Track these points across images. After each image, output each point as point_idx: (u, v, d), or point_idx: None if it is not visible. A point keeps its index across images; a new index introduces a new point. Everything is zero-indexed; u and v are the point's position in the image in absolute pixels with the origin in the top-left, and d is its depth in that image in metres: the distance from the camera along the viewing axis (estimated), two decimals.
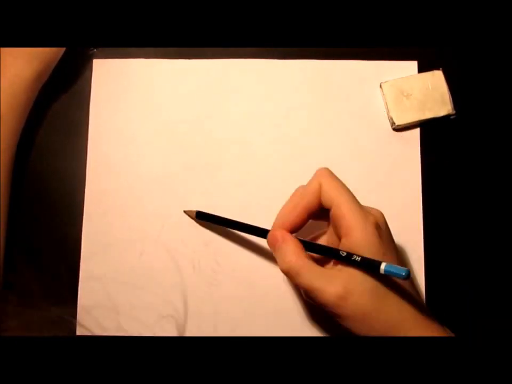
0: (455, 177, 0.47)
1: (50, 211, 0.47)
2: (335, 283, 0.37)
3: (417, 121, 0.46)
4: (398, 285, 0.38)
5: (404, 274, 0.35)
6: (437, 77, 0.47)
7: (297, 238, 0.40)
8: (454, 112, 0.46)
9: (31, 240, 0.46)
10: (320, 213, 0.40)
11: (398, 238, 0.41)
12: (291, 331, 0.45)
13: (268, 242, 0.41)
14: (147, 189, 0.47)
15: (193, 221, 0.46)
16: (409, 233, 0.46)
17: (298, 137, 0.47)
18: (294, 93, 0.48)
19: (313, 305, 0.45)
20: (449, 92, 0.46)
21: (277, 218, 0.41)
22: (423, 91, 0.46)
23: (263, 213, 0.46)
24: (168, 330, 0.45)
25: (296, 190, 0.41)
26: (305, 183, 0.47)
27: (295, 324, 0.45)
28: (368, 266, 0.37)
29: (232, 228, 0.45)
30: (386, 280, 0.37)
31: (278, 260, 0.40)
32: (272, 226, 0.41)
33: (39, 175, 0.47)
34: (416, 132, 0.47)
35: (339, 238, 0.39)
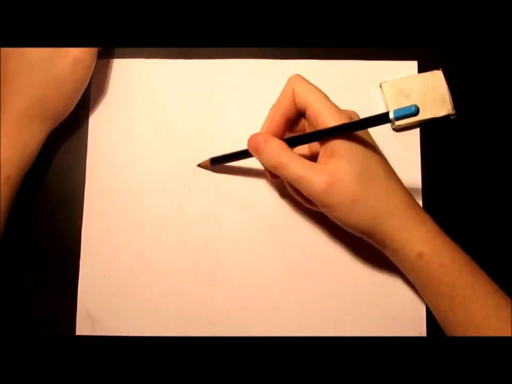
0: (455, 177, 0.47)
1: (50, 211, 0.47)
2: (323, 172, 0.38)
3: (417, 121, 0.46)
4: (384, 172, 0.40)
5: (414, 109, 0.35)
6: (436, 77, 0.47)
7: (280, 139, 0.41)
8: (454, 112, 0.46)
9: (31, 240, 0.46)
10: (297, 119, 0.42)
11: None
12: (291, 331, 0.45)
13: (248, 147, 0.42)
14: (147, 189, 0.47)
15: (193, 221, 0.46)
16: None
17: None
18: None
19: (313, 304, 0.45)
20: (449, 92, 0.46)
21: (261, 128, 0.43)
22: (422, 91, 0.46)
23: (263, 211, 0.46)
24: (168, 330, 0.45)
25: (272, 106, 0.42)
26: None
27: (295, 324, 0.45)
28: (378, 120, 0.37)
29: (244, 157, 0.44)
30: (370, 168, 0.39)
31: (264, 160, 0.41)
32: (253, 135, 0.42)
33: (39, 175, 0.47)
34: (416, 132, 0.47)
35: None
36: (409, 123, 0.47)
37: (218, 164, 0.46)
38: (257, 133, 0.42)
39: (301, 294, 0.46)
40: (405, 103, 0.46)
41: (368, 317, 0.45)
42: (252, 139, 0.41)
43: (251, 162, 0.47)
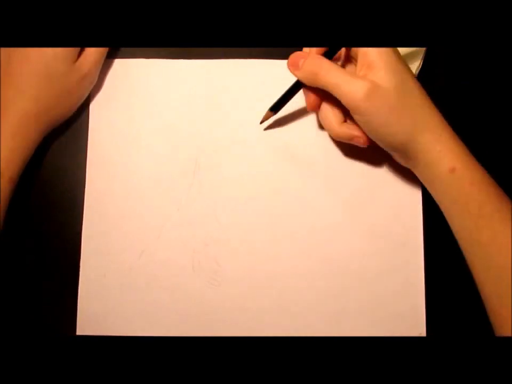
0: None
1: (50, 211, 0.47)
2: (363, 79, 0.40)
3: None
4: (419, 88, 0.41)
5: None
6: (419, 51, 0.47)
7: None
8: (416, 76, 0.47)
9: (30, 239, 0.46)
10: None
11: (397, 237, 0.41)
12: (291, 331, 0.45)
13: (288, 65, 0.43)
14: (147, 189, 0.47)
15: (193, 221, 0.46)
16: (410, 231, 0.46)
17: (298, 137, 0.47)
18: None
19: (313, 304, 0.45)
20: (421, 62, 0.47)
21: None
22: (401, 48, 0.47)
23: (262, 212, 0.46)
24: (168, 330, 0.45)
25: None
26: (304, 182, 0.47)
27: (295, 324, 0.45)
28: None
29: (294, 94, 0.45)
30: (408, 81, 0.40)
31: (304, 72, 0.42)
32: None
33: (39, 175, 0.47)
34: None
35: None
36: None
37: (278, 109, 0.46)
38: (297, 52, 0.43)
39: (301, 294, 0.46)
40: None
41: (368, 317, 0.45)
42: (292, 56, 0.43)
43: (252, 163, 0.47)
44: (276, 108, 0.46)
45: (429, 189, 0.43)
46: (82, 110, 0.47)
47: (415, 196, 0.47)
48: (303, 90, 0.44)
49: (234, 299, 0.46)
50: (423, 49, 0.47)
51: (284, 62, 0.48)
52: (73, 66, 0.44)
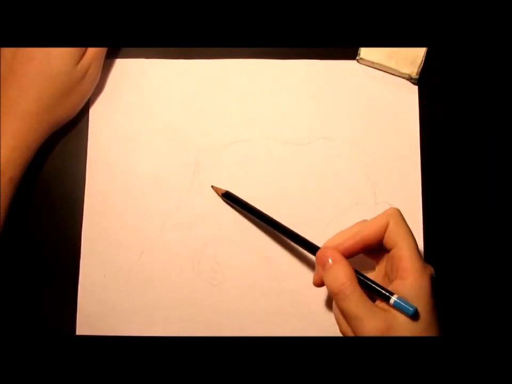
0: (455, 178, 0.47)
1: (50, 211, 0.47)
2: (380, 317, 0.37)
3: (380, 64, 0.47)
4: (435, 319, 0.38)
5: (412, 311, 0.36)
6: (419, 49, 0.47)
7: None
8: (416, 77, 0.47)
9: (31, 240, 0.46)
10: (374, 251, 0.40)
11: None
12: (291, 331, 0.45)
13: (317, 257, 0.40)
14: (147, 189, 0.47)
15: (193, 221, 0.46)
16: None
17: (298, 137, 0.47)
18: (294, 93, 0.48)
19: (313, 304, 0.45)
20: (423, 60, 0.46)
21: (332, 238, 0.41)
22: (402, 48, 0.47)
23: (262, 210, 0.46)
24: (168, 330, 0.45)
25: (362, 221, 0.41)
26: (305, 182, 0.47)
27: (296, 323, 0.45)
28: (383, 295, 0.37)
29: (255, 216, 0.45)
30: (427, 328, 0.37)
31: (327, 279, 0.39)
32: (326, 243, 0.41)
33: (39, 175, 0.47)
34: (416, 132, 0.47)
35: (390, 279, 0.39)
36: (373, 62, 0.47)
37: (229, 200, 0.46)
38: (330, 248, 0.39)
39: (301, 294, 0.46)
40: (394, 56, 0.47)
41: None
42: (322, 252, 0.39)
43: (252, 163, 0.47)
44: (228, 198, 0.46)
45: None
46: (82, 110, 0.47)
47: (415, 195, 0.47)
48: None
49: (234, 299, 0.46)
50: (424, 49, 0.47)
51: (284, 62, 0.48)
52: (75, 67, 0.44)
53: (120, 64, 0.48)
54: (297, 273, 0.46)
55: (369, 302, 0.37)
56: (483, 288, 0.46)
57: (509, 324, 0.45)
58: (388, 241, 0.39)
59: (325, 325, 0.45)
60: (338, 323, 0.40)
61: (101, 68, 0.47)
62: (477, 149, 0.48)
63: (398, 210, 0.39)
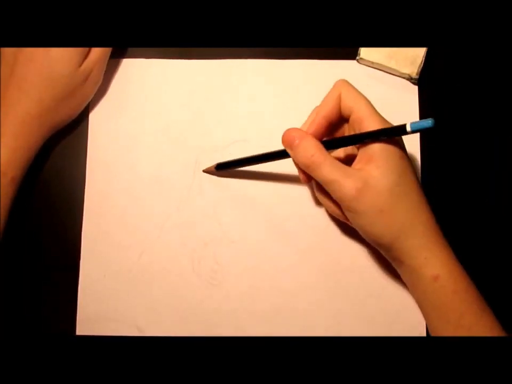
0: (455, 178, 0.47)
1: (50, 211, 0.47)
2: (355, 177, 0.38)
3: (380, 64, 0.47)
4: (415, 189, 0.39)
5: (430, 122, 0.36)
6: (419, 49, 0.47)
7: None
8: (416, 77, 0.47)
9: (31, 240, 0.46)
10: (338, 124, 0.42)
11: None
12: (291, 331, 0.45)
13: (283, 141, 0.41)
14: (147, 189, 0.47)
15: (193, 221, 0.46)
16: None
17: None
18: (294, 93, 0.48)
19: (313, 304, 0.45)
20: (423, 60, 0.47)
21: (301, 126, 0.42)
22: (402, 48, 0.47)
23: (262, 212, 0.46)
24: (168, 330, 0.45)
25: (314, 108, 0.42)
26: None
27: (295, 324, 0.45)
28: (396, 131, 0.38)
29: (251, 164, 0.45)
30: (404, 182, 0.39)
31: (297, 156, 0.40)
32: (291, 129, 0.42)
33: (40, 176, 0.47)
34: (416, 133, 0.47)
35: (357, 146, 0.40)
36: (373, 62, 0.47)
37: (223, 169, 0.46)
38: (293, 128, 0.41)
39: (301, 294, 0.46)
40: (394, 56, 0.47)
41: (368, 317, 0.45)
42: (287, 133, 0.41)
43: (253, 169, 0.47)
44: (222, 167, 0.46)
45: (410, 290, 0.42)
46: (83, 110, 0.47)
47: None
48: (294, 164, 0.42)
49: (234, 299, 0.46)
50: (424, 49, 0.47)
51: (284, 62, 0.48)
52: (78, 70, 0.44)
53: (121, 64, 0.48)
54: (297, 273, 0.46)
55: (342, 165, 0.39)
56: (483, 289, 0.46)
57: (510, 322, 0.45)
58: (344, 110, 0.40)
59: (325, 325, 0.45)
60: (324, 205, 0.43)
61: (104, 71, 0.47)
62: (477, 148, 0.48)
63: (345, 80, 0.41)
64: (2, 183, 0.42)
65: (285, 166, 0.47)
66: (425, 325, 0.45)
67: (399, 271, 0.42)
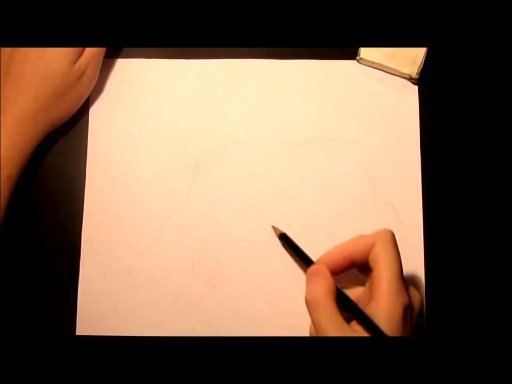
0: (455, 178, 0.47)
1: (50, 211, 0.47)
2: (345, 334, 0.37)
3: (380, 64, 0.47)
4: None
5: None
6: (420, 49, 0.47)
7: (335, 284, 0.39)
8: (417, 77, 0.47)
9: (30, 239, 0.46)
10: (365, 268, 0.40)
11: (397, 236, 0.40)
12: (291, 331, 0.45)
13: (307, 272, 0.41)
14: (147, 189, 0.47)
15: (193, 221, 0.46)
16: (409, 223, 0.46)
17: (298, 137, 0.47)
18: (294, 93, 0.48)
19: None
20: (423, 60, 0.47)
21: (325, 253, 0.41)
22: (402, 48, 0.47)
23: (262, 212, 0.46)
24: (167, 330, 0.45)
25: (357, 236, 0.41)
26: (305, 182, 0.47)
27: (295, 323, 0.45)
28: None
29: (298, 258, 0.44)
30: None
31: (306, 289, 0.40)
32: (320, 257, 0.41)
33: (39, 175, 0.47)
34: (416, 133, 0.47)
35: (369, 299, 0.39)
36: (373, 62, 0.47)
37: (285, 243, 0.45)
38: (318, 264, 0.41)
39: (301, 294, 0.45)
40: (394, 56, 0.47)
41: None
42: (312, 267, 0.41)
43: (252, 162, 0.47)
44: (285, 240, 0.45)
45: None
46: (82, 110, 0.47)
47: (415, 194, 0.47)
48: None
49: (234, 299, 0.46)
50: (424, 49, 0.47)
51: (284, 62, 0.48)
52: (72, 68, 0.44)
53: (120, 64, 0.48)
54: (297, 273, 0.46)
55: (340, 319, 0.37)
56: (484, 289, 0.46)
57: (509, 324, 0.45)
58: (371, 261, 0.39)
59: None
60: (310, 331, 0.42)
61: (99, 68, 0.47)
62: (477, 148, 0.48)
63: (390, 232, 0.39)
64: None
65: (285, 166, 0.47)
66: (425, 325, 0.45)
67: None
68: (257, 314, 0.45)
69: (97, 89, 0.48)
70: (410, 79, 0.47)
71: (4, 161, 0.42)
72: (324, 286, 0.39)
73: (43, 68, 0.43)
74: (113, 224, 0.46)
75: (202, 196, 0.47)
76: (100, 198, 0.47)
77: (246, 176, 0.47)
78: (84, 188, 0.47)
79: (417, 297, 0.40)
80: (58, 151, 0.47)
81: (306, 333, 0.45)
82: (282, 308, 0.45)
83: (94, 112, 0.48)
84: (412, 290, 0.40)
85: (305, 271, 0.41)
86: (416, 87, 0.48)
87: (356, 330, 0.37)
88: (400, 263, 0.39)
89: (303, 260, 0.43)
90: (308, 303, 0.39)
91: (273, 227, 0.45)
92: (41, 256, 0.46)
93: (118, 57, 0.48)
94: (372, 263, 0.39)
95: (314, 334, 0.40)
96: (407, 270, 0.45)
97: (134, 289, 0.46)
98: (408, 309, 0.38)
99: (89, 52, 0.45)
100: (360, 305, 0.39)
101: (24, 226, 0.47)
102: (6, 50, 0.44)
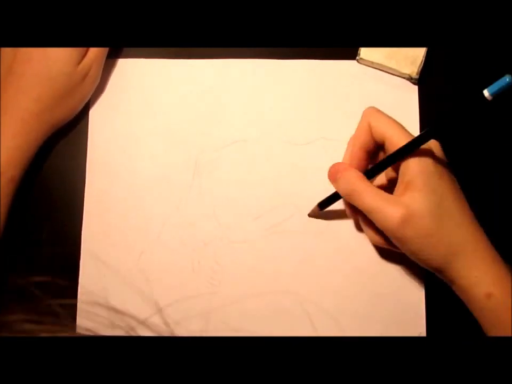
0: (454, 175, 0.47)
1: (50, 211, 0.47)
2: (397, 204, 0.38)
3: (380, 64, 0.47)
4: (460, 207, 0.39)
5: (508, 80, 0.35)
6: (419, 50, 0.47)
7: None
8: (417, 77, 0.47)
9: (30, 240, 0.46)
10: (377, 149, 0.42)
11: None
12: (291, 331, 0.45)
13: (328, 175, 0.42)
14: (147, 189, 0.47)
15: (193, 221, 0.46)
16: None
17: (298, 137, 0.47)
18: (294, 93, 0.48)
19: (313, 305, 0.45)
20: (423, 60, 0.47)
21: (342, 160, 0.43)
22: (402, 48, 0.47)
23: (262, 212, 0.46)
24: (168, 330, 0.45)
25: (349, 139, 0.43)
26: (305, 182, 0.47)
27: (295, 323, 0.45)
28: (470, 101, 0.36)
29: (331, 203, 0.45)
30: (446, 202, 0.38)
31: (340, 188, 0.41)
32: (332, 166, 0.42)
33: (39, 175, 0.47)
34: (416, 133, 0.47)
35: (396, 171, 0.40)
36: (373, 62, 0.47)
37: (325, 207, 0.45)
38: (338, 162, 0.42)
39: (301, 294, 0.46)
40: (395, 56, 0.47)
41: (368, 316, 0.45)
42: (331, 167, 0.42)
43: (252, 163, 0.47)
44: (323, 206, 0.45)
45: (467, 306, 0.41)
46: (82, 110, 0.47)
47: None
48: (343, 200, 0.43)
49: (234, 299, 0.46)
50: (424, 49, 0.47)
51: (284, 62, 0.48)
52: (76, 69, 0.44)
53: (120, 64, 0.48)
54: (297, 274, 0.46)
55: (383, 193, 0.39)
56: None
57: None
58: (377, 138, 0.41)
59: (325, 325, 0.45)
60: (369, 237, 0.43)
61: (102, 68, 0.47)
62: (477, 148, 0.48)
63: (373, 107, 0.42)
64: (1, 182, 0.42)
65: (285, 166, 0.47)
66: (425, 325, 0.45)
67: (452, 287, 0.41)
68: (257, 314, 0.45)
69: (97, 89, 0.48)
70: (410, 79, 0.47)
71: (7, 163, 0.42)
72: (353, 175, 0.40)
73: (47, 68, 0.43)
74: (113, 224, 0.46)
75: (202, 196, 0.47)
76: (100, 198, 0.47)
77: (246, 176, 0.47)
78: (84, 188, 0.47)
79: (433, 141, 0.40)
80: (58, 151, 0.47)
81: (306, 333, 0.45)
82: (282, 308, 0.45)
83: (94, 112, 0.48)
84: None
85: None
86: (416, 87, 0.48)
87: (402, 193, 0.38)
88: (399, 123, 0.41)
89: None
90: (350, 195, 0.40)
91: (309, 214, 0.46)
92: (42, 256, 0.46)
93: (118, 57, 0.48)
94: (379, 139, 0.41)
95: (371, 233, 0.42)
96: (407, 270, 0.45)
97: (134, 289, 0.46)
98: (432, 151, 0.39)
99: (93, 52, 0.45)
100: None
101: (24, 226, 0.47)
102: (9, 50, 0.44)
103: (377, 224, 0.39)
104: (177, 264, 0.46)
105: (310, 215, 0.46)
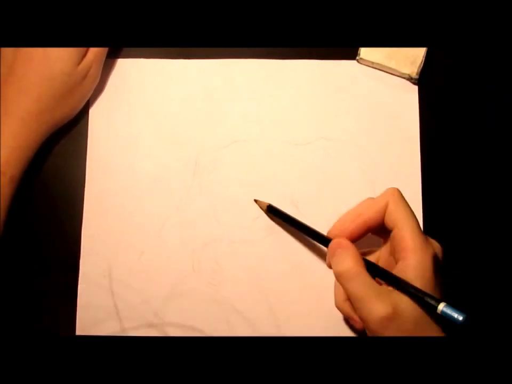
0: (455, 179, 0.47)
1: (50, 211, 0.47)
2: (385, 300, 0.36)
3: (380, 64, 0.47)
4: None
5: (462, 318, 0.34)
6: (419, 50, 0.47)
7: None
8: (416, 77, 0.47)
9: (30, 240, 0.46)
10: (380, 230, 0.40)
11: None
12: (291, 331, 0.45)
13: (329, 248, 0.40)
14: (147, 189, 0.47)
15: (193, 221, 0.46)
16: None
17: (298, 137, 0.47)
18: (294, 93, 0.48)
19: (313, 304, 0.45)
20: (423, 60, 0.47)
21: (337, 222, 0.41)
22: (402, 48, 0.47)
23: (262, 212, 0.46)
24: (167, 330, 0.45)
25: (363, 201, 0.40)
26: (305, 182, 0.47)
27: (295, 324, 0.45)
28: (424, 303, 0.36)
29: (295, 227, 0.44)
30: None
31: (333, 264, 0.39)
32: (330, 230, 0.41)
33: (39, 175, 0.47)
34: (416, 133, 0.47)
35: (395, 260, 0.38)
36: (373, 62, 0.47)
37: (273, 214, 0.45)
38: (341, 238, 0.39)
39: (301, 294, 0.46)
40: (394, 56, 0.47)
41: None
42: (334, 242, 0.39)
43: (252, 163, 0.47)
44: (272, 212, 0.45)
45: None
46: (82, 110, 0.47)
47: (415, 197, 0.47)
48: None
49: (234, 299, 0.46)
50: (424, 49, 0.47)
51: (284, 62, 0.48)
52: (76, 69, 0.44)
53: (120, 64, 0.48)
54: (297, 273, 0.46)
55: (374, 284, 0.37)
56: (484, 289, 0.46)
57: (510, 323, 0.45)
58: (388, 222, 0.39)
59: (326, 325, 0.45)
60: (335, 296, 0.42)
61: (101, 68, 0.47)
62: (478, 148, 0.48)
63: (397, 190, 0.39)
64: (1, 182, 0.42)
65: (285, 166, 0.47)
66: None
67: None
68: (257, 314, 0.45)
69: (97, 89, 0.48)
70: (410, 79, 0.47)
71: (7, 162, 0.42)
72: (352, 256, 0.38)
73: (47, 68, 0.43)
74: (113, 224, 0.46)
75: (202, 196, 0.47)
76: (100, 198, 0.47)
77: (246, 176, 0.47)
78: (84, 188, 0.47)
79: (437, 245, 0.39)
80: (58, 151, 0.47)
81: (306, 333, 0.45)
82: (282, 307, 0.45)
83: (94, 112, 0.48)
84: (431, 240, 0.39)
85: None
86: (416, 87, 0.48)
87: (392, 290, 0.37)
88: (415, 216, 0.38)
89: (317, 238, 0.42)
90: (340, 276, 0.38)
91: (256, 200, 0.46)
92: (42, 256, 0.46)
93: (118, 57, 0.48)
94: (390, 223, 0.38)
95: (341, 306, 0.41)
96: None
97: (134, 289, 0.46)
98: (436, 260, 0.37)
99: (93, 52, 0.45)
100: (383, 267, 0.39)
101: (24, 226, 0.47)
102: (10, 50, 0.44)
103: (358, 312, 0.37)
104: (177, 264, 0.46)
105: (255, 200, 0.46)
